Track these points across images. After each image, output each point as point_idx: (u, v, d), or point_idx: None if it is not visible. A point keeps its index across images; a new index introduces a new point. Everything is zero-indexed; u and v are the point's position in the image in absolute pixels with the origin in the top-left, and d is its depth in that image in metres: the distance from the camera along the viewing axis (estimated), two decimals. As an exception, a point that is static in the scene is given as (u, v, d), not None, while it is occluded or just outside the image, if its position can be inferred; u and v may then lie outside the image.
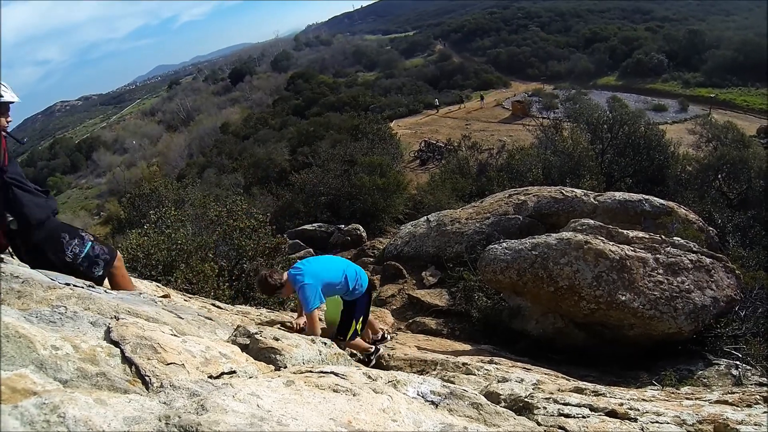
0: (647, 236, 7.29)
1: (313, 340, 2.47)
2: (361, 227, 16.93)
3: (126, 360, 1.39)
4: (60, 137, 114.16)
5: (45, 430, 0.83)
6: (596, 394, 2.87)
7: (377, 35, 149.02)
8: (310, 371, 1.66)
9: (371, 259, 13.24)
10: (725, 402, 2.50)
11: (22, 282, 1.90)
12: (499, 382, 3.58)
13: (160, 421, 0.95)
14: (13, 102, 2.98)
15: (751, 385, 5.59)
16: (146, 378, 1.32)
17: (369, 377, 1.74)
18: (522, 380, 3.76)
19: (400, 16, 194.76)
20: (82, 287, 2.32)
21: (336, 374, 1.61)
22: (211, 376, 1.47)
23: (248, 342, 2.19)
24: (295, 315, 5.20)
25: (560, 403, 2.46)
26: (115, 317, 1.75)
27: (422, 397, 1.76)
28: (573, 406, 2.42)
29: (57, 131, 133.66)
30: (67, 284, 2.19)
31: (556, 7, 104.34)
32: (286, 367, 1.96)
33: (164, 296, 3.78)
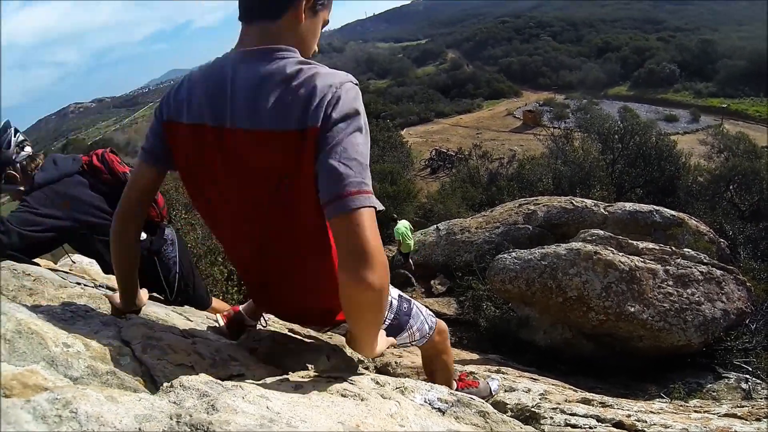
0: (657, 247, 7.26)
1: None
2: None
3: (136, 359, 1.41)
4: (73, 138, 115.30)
5: (57, 425, 0.84)
6: (603, 405, 2.85)
7: (389, 43, 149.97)
8: (319, 376, 1.67)
9: (380, 267, 13.24)
10: (734, 415, 2.48)
11: (34, 279, 1.92)
12: (506, 391, 3.57)
13: (171, 419, 0.96)
14: None
15: (761, 398, 5.54)
16: (156, 378, 1.33)
17: (377, 383, 1.75)
18: (529, 390, 3.75)
19: (412, 24, 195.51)
20: (93, 287, 2.34)
21: (344, 379, 1.61)
22: (220, 378, 1.48)
23: (258, 345, 2.19)
24: None
25: (567, 414, 2.45)
26: (126, 317, 1.76)
27: (429, 404, 1.75)
28: (580, 416, 2.42)
29: (70, 132, 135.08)
30: (78, 284, 2.21)
31: (568, 17, 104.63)
32: (294, 371, 1.96)
33: None
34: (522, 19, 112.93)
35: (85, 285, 2.28)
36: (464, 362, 6.41)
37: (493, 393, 2.85)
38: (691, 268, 6.84)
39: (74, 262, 3.32)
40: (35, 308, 1.61)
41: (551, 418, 2.39)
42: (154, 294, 2.93)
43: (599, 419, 2.35)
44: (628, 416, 2.37)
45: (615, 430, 2.24)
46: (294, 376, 1.74)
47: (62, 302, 1.78)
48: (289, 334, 2.65)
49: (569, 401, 2.92)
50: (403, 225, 12.03)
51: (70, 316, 1.61)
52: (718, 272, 6.98)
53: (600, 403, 2.91)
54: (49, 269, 2.66)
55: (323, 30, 1.58)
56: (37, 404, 0.86)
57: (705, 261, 7.15)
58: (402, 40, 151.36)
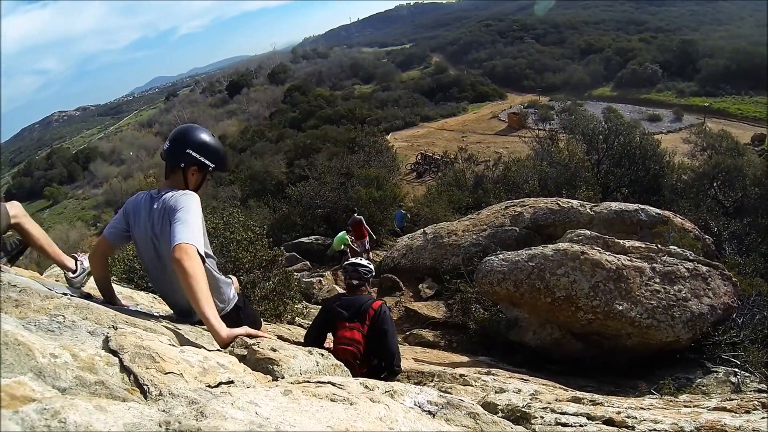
0: (643, 246, 7.31)
1: (310, 351, 2.48)
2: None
3: (124, 369, 1.40)
4: (57, 147, 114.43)
5: (45, 435, 0.84)
6: (594, 403, 2.87)
7: (374, 48, 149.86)
8: (308, 381, 1.66)
9: (368, 271, 13.22)
10: (723, 409, 2.51)
11: (20, 291, 1.90)
12: (496, 392, 3.58)
13: (160, 427, 0.96)
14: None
15: (750, 391, 5.59)
16: (144, 387, 1.33)
17: (366, 387, 1.75)
18: (519, 391, 3.76)
19: (397, 28, 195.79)
20: (79, 297, 2.32)
21: (333, 384, 1.61)
22: (209, 386, 1.47)
23: (245, 353, 2.19)
24: (292, 328, 5.65)
25: (557, 413, 2.47)
26: (114, 327, 1.75)
27: (419, 406, 1.76)
28: (570, 415, 2.43)
29: (54, 141, 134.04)
30: (65, 294, 2.19)
31: (551, 19, 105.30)
32: (283, 378, 1.96)
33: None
34: (505, 22, 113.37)
35: (71, 295, 2.27)
36: (454, 365, 6.42)
37: None
38: (677, 265, 6.89)
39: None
40: (22, 319, 1.59)
41: (542, 417, 2.40)
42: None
43: (590, 417, 2.37)
44: (618, 413, 2.38)
45: (605, 427, 2.25)
46: (283, 382, 1.74)
47: (49, 313, 1.77)
48: (278, 341, 2.65)
49: (560, 400, 2.94)
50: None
51: (57, 327, 1.60)
52: (704, 268, 7.03)
53: (590, 401, 2.93)
54: (35, 280, 2.64)
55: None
56: (25, 415, 0.86)
57: (691, 258, 7.20)
58: (387, 44, 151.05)
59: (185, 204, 2.57)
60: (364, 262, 4.53)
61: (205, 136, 2.90)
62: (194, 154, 2.81)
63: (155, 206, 2.66)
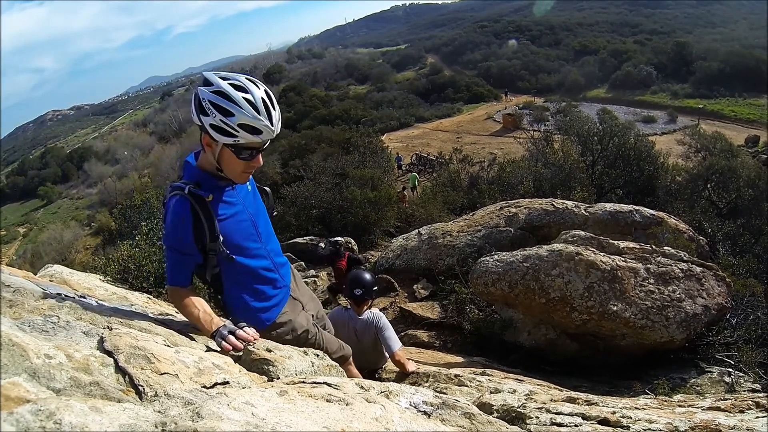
0: (638, 246, 7.32)
1: (305, 352, 2.47)
2: (352, 240, 16.91)
3: (119, 370, 1.39)
4: (51, 146, 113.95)
5: (40, 437, 0.83)
6: (589, 403, 2.87)
7: (369, 48, 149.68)
8: (303, 382, 1.66)
9: (363, 272, 13.16)
10: (718, 408, 2.51)
11: (14, 291, 1.89)
12: (491, 393, 3.58)
13: (156, 427, 0.95)
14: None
15: (744, 391, 5.62)
16: (140, 387, 1.32)
17: (362, 387, 1.75)
18: (514, 391, 3.76)
19: (392, 29, 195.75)
20: (74, 297, 2.31)
21: (329, 385, 1.61)
22: (204, 386, 1.46)
23: (241, 353, 2.18)
24: None
25: (553, 413, 2.47)
26: (108, 327, 1.74)
27: (414, 407, 1.76)
28: (565, 415, 2.43)
29: (48, 140, 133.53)
30: (59, 294, 2.18)
31: (546, 21, 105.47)
32: (278, 378, 1.95)
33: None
34: (500, 23, 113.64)
35: (65, 295, 2.26)
36: (449, 365, 6.41)
37: None
38: (671, 265, 6.90)
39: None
40: (16, 320, 1.59)
41: (537, 417, 2.40)
42: None
43: (585, 417, 2.37)
44: (613, 413, 2.39)
45: (600, 427, 2.25)
46: (279, 383, 1.74)
47: (43, 313, 1.76)
48: (272, 341, 2.64)
49: (555, 400, 2.94)
50: None
51: (51, 327, 1.59)
52: (698, 269, 7.05)
53: (585, 401, 2.93)
54: (30, 280, 2.63)
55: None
56: (20, 416, 0.85)
57: (685, 258, 7.22)
58: (382, 45, 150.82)
59: (388, 324, 4.48)
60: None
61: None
62: (374, 291, 4.57)
63: (364, 323, 4.48)
